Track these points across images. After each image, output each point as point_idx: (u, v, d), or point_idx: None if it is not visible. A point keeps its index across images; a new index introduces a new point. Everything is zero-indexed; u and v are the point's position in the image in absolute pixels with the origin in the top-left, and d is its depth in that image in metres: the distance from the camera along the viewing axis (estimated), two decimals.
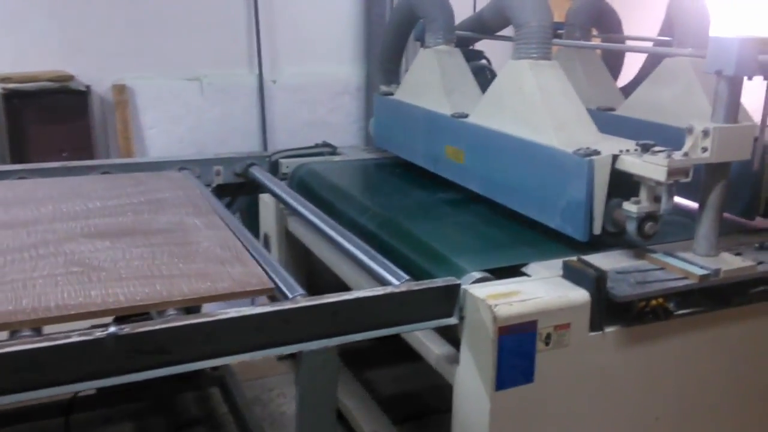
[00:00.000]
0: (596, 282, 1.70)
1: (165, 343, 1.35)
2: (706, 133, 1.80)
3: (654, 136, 2.01)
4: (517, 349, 1.63)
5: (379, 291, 1.59)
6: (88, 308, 1.49)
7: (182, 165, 2.86)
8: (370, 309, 1.56)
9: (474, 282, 1.78)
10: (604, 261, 1.93)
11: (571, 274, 1.77)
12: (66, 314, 1.47)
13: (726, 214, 2.27)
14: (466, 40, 3.06)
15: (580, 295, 1.70)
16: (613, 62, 3.24)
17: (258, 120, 5.18)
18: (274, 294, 1.69)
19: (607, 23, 3.09)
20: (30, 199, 2.29)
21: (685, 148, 1.82)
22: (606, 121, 2.64)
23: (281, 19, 5.16)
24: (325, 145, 3.74)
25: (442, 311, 1.69)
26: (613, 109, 2.71)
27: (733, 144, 1.82)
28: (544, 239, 2.09)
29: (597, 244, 1.99)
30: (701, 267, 1.83)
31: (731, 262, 1.88)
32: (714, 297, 1.93)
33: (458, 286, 1.68)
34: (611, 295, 1.71)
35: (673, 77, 2.44)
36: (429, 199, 2.59)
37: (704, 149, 1.81)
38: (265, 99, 5.16)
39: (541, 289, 1.71)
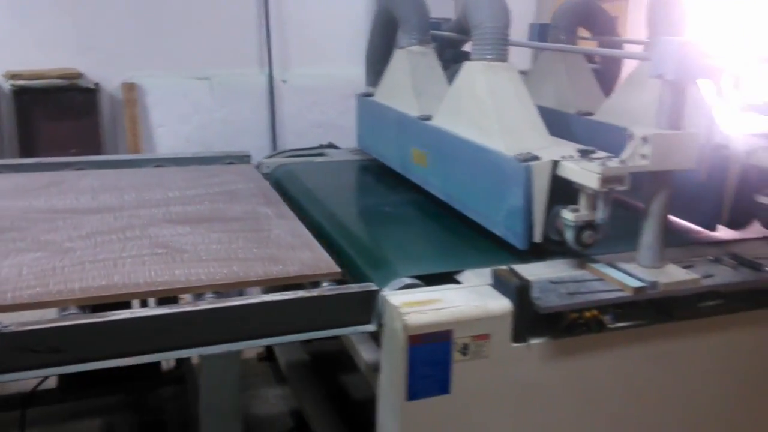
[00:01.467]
0: (518, 292, 1.66)
1: (57, 342, 1.38)
2: (645, 140, 1.74)
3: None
4: (430, 358, 1.61)
5: (289, 295, 1.59)
6: (173, 285, 1.66)
7: (159, 163, 2.92)
8: (279, 314, 1.57)
9: (401, 288, 1.77)
10: (545, 270, 1.89)
11: (498, 283, 1.74)
12: (154, 290, 1.65)
13: (692, 225, 2.24)
14: (456, 42, 3.04)
15: (501, 305, 1.67)
16: (610, 66, 3.18)
17: (267, 120, 5.24)
18: (343, 278, 1.81)
19: (598, 24, 3.02)
20: (115, 187, 2.53)
21: (623, 155, 1.77)
22: (583, 126, 2.60)
23: (292, 19, 5.21)
24: (330, 146, 3.78)
25: (359, 318, 1.68)
26: (591, 114, 2.65)
27: (675, 152, 1.75)
28: (495, 247, 2.06)
29: (546, 252, 1.95)
30: (639, 279, 1.78)
31: (674, 275, 1.82)
32: (657, 310, 1.87)
33: (375, 292, 1.68)
34: (536, 306, 1.68)
35: (646, 82, 2.37)
36: (395, 202, 2.58)
37: (643, 156, 1.75)
38: (274, 99, 5.22)
39: (463, 297, 1.69)
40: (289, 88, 5.27)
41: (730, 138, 2.14)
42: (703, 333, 1.90)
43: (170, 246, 1.92)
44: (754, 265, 1.95)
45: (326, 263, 1.85)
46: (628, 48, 3.00)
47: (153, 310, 1.47)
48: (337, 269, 1.82)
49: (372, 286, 1.69)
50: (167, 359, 1.46)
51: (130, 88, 4.79)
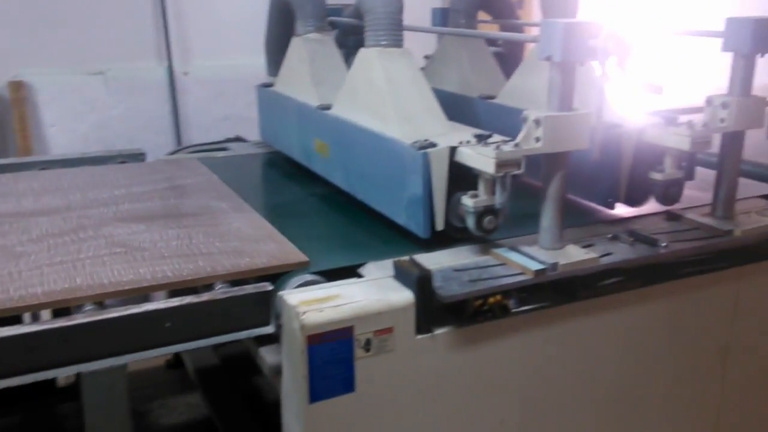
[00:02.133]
0: (419, 282, 1.64)
1: None
2: (537, 123, 1.75)
3: None
4: (331, 357, 1.57)
5: (175, 302, 1.52)
6: (140, 284, 1.62)
7: (44, 165, 2.74)
8: (166, 322, 1.49)
9: (300, 286, 1.72)
10: (449, 258, 1.89)
11: (400, 274, 1.72)
12: (121, 290, 1.60)
13: (590, 203, 2.29)
14: (358, 28, 2.98)
15: (403, 296, 1.64)
16: (513, 49, 3.21)
17: (170, 115, 5.05)
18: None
19: (497, 8, 3.04)
20: (57, 188, 2.44)
21: (518, 139, 1.77)
22: (486, 109, 2.61)
23: (191, 8, 5.02)
24: (237, 139, 3.67)
25: (256, 320, 1.62)
26: (493, 97, 2.67)
27: (567, 133, 1.77)
28: (399, 237, 2.03)
29: (450, 239, 1.95)
30: (540, 262, 1.80)
31: (573, 255, 1.85)
32: (559, 291, 1.90)
33: (271, 292, 1.62)
34: (439, 296, 1.67)
35: (542, 64, 2.39)
36: (298, 194, 2.52)
37: (537, 139, 1.77)
38: (176, 93, 5.03)
39: (364, 291, 1.65)
40: (191, 80, 5.08)
41: (622, 117, 2.20)
42: (605, 311, 1.95)
43: (128, 245, 1.89)
44: (650, 241, 2.01)
45: (294, 254, 1.83)
46: (528, 31, 3.04)
47: (23, 328, 1.36)
48: (306, 258, 1.80)
49: (267, 286, 1.63)
50: (39, 379, 1.36)
51: (17, 86, 4.49)
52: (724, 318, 2.19)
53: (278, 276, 1.75)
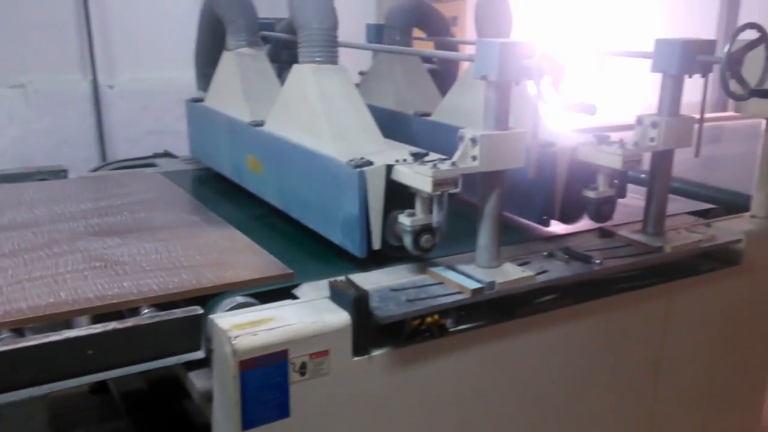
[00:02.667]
0: (356, 303, 1.62)
1: None
2: (474, 141, 1.77)
3: None
4: (265, 382, 1.53)
5: (98, 329, 1.45)
6: (126, 297, 1.61)
7: None
8: (87, 350, 1.42)
9: (232, 309, 1.67)
10: (386, 277, 1.88)
11: (335, 295, 1.69)
12: (107, 303, 1.58)
13: (526, 221, 2.33)
14: (291, 43, 2.97)
15: (339, 318, 1.62)
16: (448, 66, 3.25)
17: (94, 129, 4.90)
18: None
19: (432, 25, 3.08)
20: (19, 202, 2.40)
21: (455, 157, 1.79)
22: (421, 126, 2.63)
23: (116, 20, 4.90)
24: (166, 154, 3.57)
25: (186, 345, 1.57)
26: (429, 114, 2.69)
27: (504, 151, 1.80)
28: (335, 257, 2.01)
29: (390, 259, 1.94)
30: (477, 280, 1.81)
31: (510, 274, 1.86)
32: (497, 310, 1.91)
33: (200, 316, 1.57)
34: (375, 316, 1.65)
35: (477, 82, 2.43)
36: (230, 213, 2.46)
37: (474, 158, 1.78)
38: (101, 106, 4.88)
39: (299, 313, 1.62)
40: (116, 94, 4.96)
41: (556, 135, 2.25)
42: (541, 328, 1.97)
43: (106, 259, 1.88)
44: (584, 259, 2.05)
45: (277, 265, 1.84)
46: (462, 49, 3.08)
47: None
48: (290, 270, 1.81)
49: (197, 310, 1.58)
50: None
51: None
52: (655, 332, 2.26)
53: (210, 297, 1.71)
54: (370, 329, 1.65)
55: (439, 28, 3.01)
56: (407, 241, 1.84)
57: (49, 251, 1.94)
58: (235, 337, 1.49)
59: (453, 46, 3.02)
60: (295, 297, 1.78)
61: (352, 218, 1.87)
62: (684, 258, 2.25)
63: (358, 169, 1.83)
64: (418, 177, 1.76)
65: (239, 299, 1.71)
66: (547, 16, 7.34)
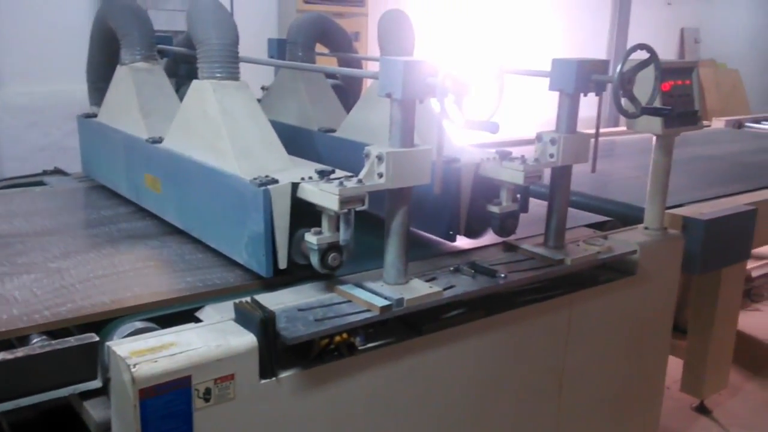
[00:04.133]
0: (262, 324, 1.61)
1: None
2: (380, 159, 1.81)
3: None
4: (167, 411, 1.49)
5: None
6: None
7: None
8: None
9: (130, 334, 1.62)
10: (293, 297, 1.87)
11: (240, 316, 1.68)
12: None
13: (432, 236, 2.38)
14: (190, 57, 2.92)
15: (245, 341, 1.60)
16: (352, 82, 3.29)
17: None
18: None
19: (335, 41, 3.12)
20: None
21: (361, 175, 1.81)
22: (326, 142, 2.64)
23: (2, 30, 4.66)
24: (56, 172, 3.42)
25: (82, 374, 1.51)
26: (333, 131, 2.71)
27: (410, 168, 1.84)
28: (240, 277, 1.99)
29: (298, 278, 1.93)
30: (385, 297, 1.84)
31: (418, 290, 1.91)
32: (406, 326, 1.95)
33: (96, 344, 1.52)
34: (283, 337, 1.65)
35: (381, 98, 2.48)
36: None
37: (380, 175, 1.82)
38: None
39: (202, 337, 1.59)
40: (2, 108, 4.70)
41: (460, 152, 2.33)
42: (450, 343, 2.02)
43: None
44: (490, 273, 2.12)
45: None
46: (365, 65, 3.14)
47: None
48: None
49: (93, 338, 1.52)
50: None
51: None
52: (559, 342, 2.36)
53: (107, 323, 1.65)
54: (277, 351, 1.64)
55: (341, 43, 3.05)
56: (314, 259, 1.84)
57: (87, 255, 1.99)
58: (134, 364, 1.45)
59: (356, 62, 3.06)
60: (198, 320, 1.75)
61: (257, 237, 1.86)
62: (584, 269, 2.37)
63: (263, 188, 1.82)
64: (324, 195, 1.77)
65: (138, 324, 1.66)
66: (449, 34, 7.57)
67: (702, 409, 3.60)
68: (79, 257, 2.07)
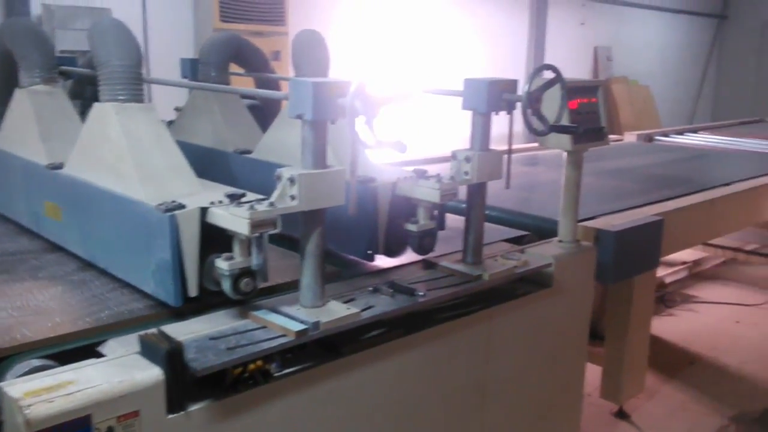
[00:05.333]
0: (168, 356, 1.54)
1: None
2: (292, 181, 1.77)
3: None
4: None
5: None
6: None
7: None
8: None
9: (26, 373, 1.52)
10: (205, 325, 1.80)
11: (146, 349, 1.60)
12: None
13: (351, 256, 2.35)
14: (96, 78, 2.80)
15: (150, 374, 1.53)
16: (269, 102, 3.23)
17: None
18: None
19: (250, 60, 3.06)
20: None
21: (272, 198, 1.77)
22: (242, 164, 2.58)
23: None
24: None
25: None
26: (249, 152, 2.65)
27: (323, 190, 1.81)
28: (147, 307, 1.90)
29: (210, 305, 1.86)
30: (301, 321, 1.79)
31: (335, 312, 1.87)
32: (324, 349, 1.91)
33: None
34: (191, 369, 1.58)
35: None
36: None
37: (293, 197, 1.78)
38: None
39: (104, 373, 1.50)
40: None
41: (377, 171, 2.32)
42: (370, 364, 1.99)
43: None
44: (409, 291, 2.11)
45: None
46: (283, 84, 3.09)
47: None
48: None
49: None
50: None
51: None
52: (480, 357, 2.37)
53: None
54: (186, 383, 1.57)
55: (257, 63, 3.00)
56: (226, 285, 1.78)
57: None
58: (28, 405, 1.35)
59: (273, 82, 3.02)
60: (101, 355, 1.66)
61: (164, 265, 1.79)
62: (501, 284, 2.39)
63: (169, 213, 1.75)
64: (234, 219, 1.72)
65: (35, 362, 1.56)
66: (372, 55, 7.62)
67: (621, 414, 3.69)
68: None
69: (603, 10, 11.35)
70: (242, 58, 2.97)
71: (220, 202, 1.82)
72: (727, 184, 4.03)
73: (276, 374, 1.77)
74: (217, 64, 2.83)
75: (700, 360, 4.48)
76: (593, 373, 3.20)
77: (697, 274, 5.92)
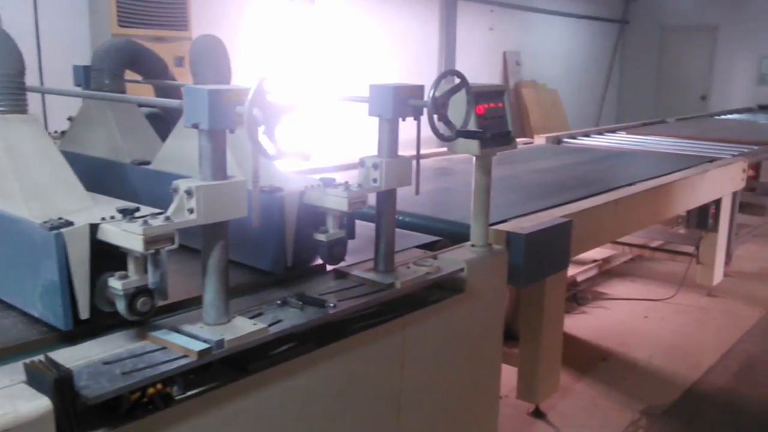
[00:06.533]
0: (56, 385, 1.45)
1: None
2: (190, 193, 1.70)
3: None
4: None
5: None
6: None
7: None
8: None
9: None
10: (99, 349, 1.71)
11: (32, 378, 1.50)
12: None
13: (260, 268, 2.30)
14: None
15: (37, 405, 1.43)
16: (171, 110, 3.12)
17: None
18: None
19: (147, 67, 2.95)
20: None
21: (169, 212, 1.70)
22: (140, 176, 2.48)
23: None
24: None
25: None
26: (148, 163, 2.55)
27: (223, 202, 1.75)
28: (35, 332, 1.79)
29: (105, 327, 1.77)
30: (204, 340, 1.73)
31: (241, 328, 1.81)
32: (231, 368, 1.84)
33: None
34: (82, 397, 1.49)
35: None
36: None
37: (191, 210, 1.71)
38: None
39: None
40: None
41: (283, 180, 2.27)
42: (280, 380, 1.94)
43: None
44: (319, 303, 2.07)
45: None
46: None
47: None
48: None
49: None
50: None
51: None
52: (394, 366, 2.35)
53: None
54: (77, 412, 1.48)
55: (155, 69, 2.89)
56: (121, 306, 1.70)
57: None
58: None
59: (174, 90, 2.92)
60: None
61: (51, 287, 1.68)
62: (414, 291, 2.38)
63: (55, 231, 1.65)
64: (127, 235, 1.64)
65: None
66: (281, 61, 7.54)
67: (538, 414, 3.77)
68: None
69: (510, 16, 11.67)
70: (139, 64, 2.85)
71: (112, 217, 1.73)
72: (631, 184, 4.20)
73: (178, 397, 1.69)
74: (112, 71, 2.71)
75: (612, 356, 4.64)
76: (509, 374, 3.26)
77: (606, 271, 6.14)
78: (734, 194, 5.50)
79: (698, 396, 4.12)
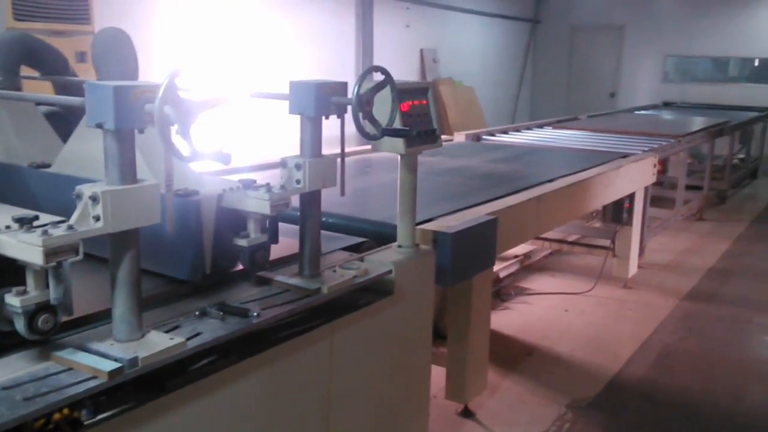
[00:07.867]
0: None
1: None
2: (95, 199, 1.56)
3: None
4: None
5: None
6: None
7: None
8: None
9: None
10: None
11: None
12: None
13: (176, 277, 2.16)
14: None
15: None
16: (74, 109, 2.92)
17: None
18: None
19: (45, 63, 2.74)
20: None
21: (72, 220, 1.56)
22: (40, 180, 2.30)
23: None
24: None
25: None
26: (48, 165, 2.36)
27: (133, 208, 1.62)
28: None
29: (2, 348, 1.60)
30: (114, 359, 1.59)
31: (156, 344, 1.68)
32: (145, 388, 1.71)
33: None
34: None
35: None
36: None
37: (97, 218, 1.57)
38: None
39: None
40: None
41: (199, 183, 2.15)
42: (201, 396, 1.83)
43: None
44: (241, 312, 1.96)
45: None
46: None
47: None
48: None
49: None
50: None
51: None
52: (322, 372, 2.28)
53: None
54: None
55: (55, 65, 2.69)
56: (19, 325, 1.54)
57: None
58: None
59: (75, 86, 2.72)
60: None
61: None
62: (341, 296, 2.31)
63: None
64: (24, 247, 1.49)
65: None
66: (194, 58, 7.29)
67: (467, 413, 3.76)
68: None
69: (426, 13, 11.74)
70: (36, 59, 2.65)
71: (7, 227, 1.57)
72: (551, 181, 4.26)
73: (87, 422, 1.55)
74: (5, 67, 2.50)
75: (537, 350, 4.71)
76: (438, 374, 3.23)
77: (527, 266, 6.24)
78: (646, 189, 5.70)
79: (620, 387, 4.22)
